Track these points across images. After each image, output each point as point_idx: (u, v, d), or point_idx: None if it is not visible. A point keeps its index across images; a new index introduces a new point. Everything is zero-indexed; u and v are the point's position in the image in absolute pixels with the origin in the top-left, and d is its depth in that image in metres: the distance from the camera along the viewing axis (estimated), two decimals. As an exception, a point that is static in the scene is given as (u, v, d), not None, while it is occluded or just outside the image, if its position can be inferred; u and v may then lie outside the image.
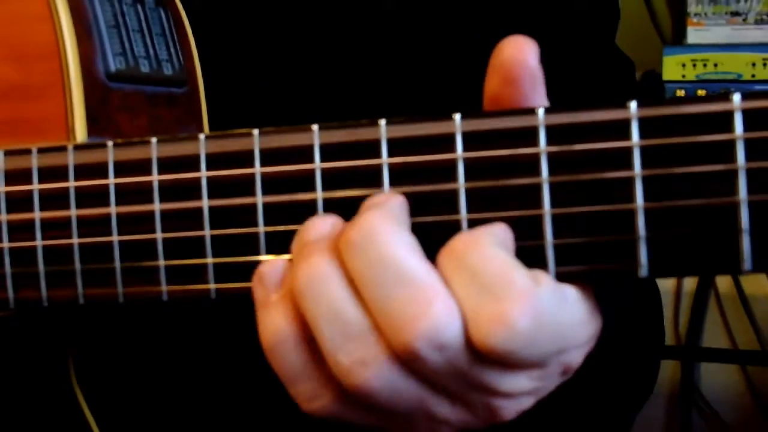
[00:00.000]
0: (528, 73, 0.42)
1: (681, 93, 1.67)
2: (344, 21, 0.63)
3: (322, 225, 0.42)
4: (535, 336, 0.38)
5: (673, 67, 1.68)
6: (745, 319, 1.85)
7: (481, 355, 0.39)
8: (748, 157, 0.38)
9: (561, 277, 0.40)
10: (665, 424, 1.93)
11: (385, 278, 0.39)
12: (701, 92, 1.66)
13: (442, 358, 0.39)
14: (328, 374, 0.41)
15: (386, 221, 0.40)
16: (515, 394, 0.42)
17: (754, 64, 1.66)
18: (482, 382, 0.40)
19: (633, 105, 0.40)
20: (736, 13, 1.72)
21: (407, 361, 0.39)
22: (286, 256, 0.44)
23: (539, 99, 0.42)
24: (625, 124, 0.40)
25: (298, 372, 0.42)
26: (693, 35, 1.71)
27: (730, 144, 0.38)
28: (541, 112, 0.41)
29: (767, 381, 1.86)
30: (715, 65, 1.67)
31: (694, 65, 1.68)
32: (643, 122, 0.39)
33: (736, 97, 0.39)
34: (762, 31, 1.69)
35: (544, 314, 0.38)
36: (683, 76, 1.67)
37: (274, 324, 0.42)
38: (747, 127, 0.38)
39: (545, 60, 0.64)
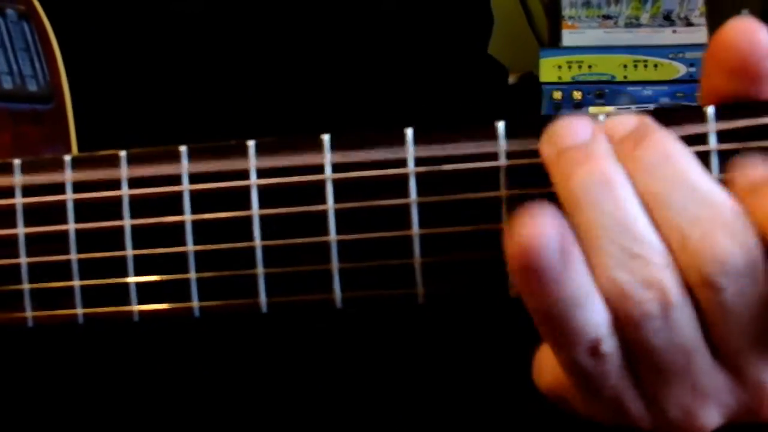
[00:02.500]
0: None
1: (558, 94, 1.70)
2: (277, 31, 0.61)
3: (582, 130, 0.37)
4: None
5: (550, 69, 1.71)
6: None
7: None
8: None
9: (429, 299, 0.39)
10: None
11: (688, 200, 0.35)
12: (577, 93, 1.69)
13: (738, 292, 0.34)
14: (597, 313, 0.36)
15: (677, 144, 0.36)
16: None
17: (625, 66, 1.70)
18: None
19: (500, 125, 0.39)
20: (608, 17, 1.75)
21: (704, 287, 0.35)
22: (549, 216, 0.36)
23: None
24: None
25: (581, 296, 0.36)
26: (568, 38, 1.74)
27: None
28: (409, 132, 0.40)
29: None
30: (590, 67, 1.70)
31: (570, 67, 1.70)
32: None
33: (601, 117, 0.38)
34: (632, 34, 1.73)
35: None
36: (559, 77, 1.70)
37: (575, 287, 0.35)
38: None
39: (417, 68, 0.64)
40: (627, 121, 0.37)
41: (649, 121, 0.37)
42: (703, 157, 0.36)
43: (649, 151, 0.35)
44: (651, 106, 1.64)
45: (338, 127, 0.58)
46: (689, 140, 0.36)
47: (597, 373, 0.37)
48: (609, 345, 0.36)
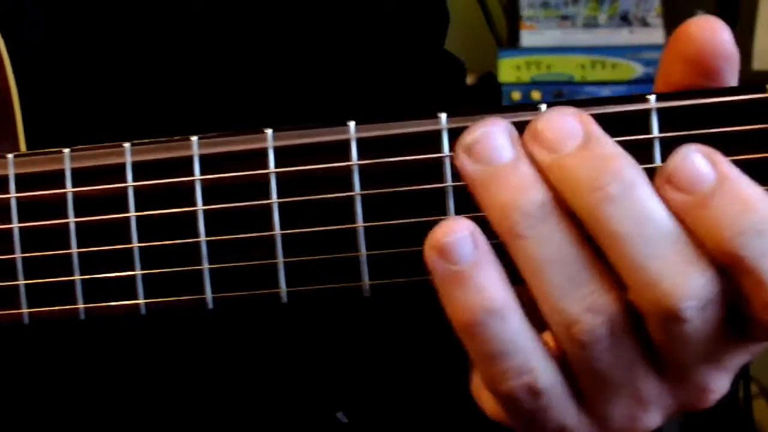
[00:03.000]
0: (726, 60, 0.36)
1: (517, 95, 1.70)
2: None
3: (504, 147, 0.35)
4: None
5: (509, 69, 1.71)
6: None
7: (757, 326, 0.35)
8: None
9: (375, 291, 0.39)
10: None
11: (647, 235, 0.34)
12: (536, 93, 1.70)
13: (701, 321, 0.34)
14: (539, 344, 0.36)
15: (638, 171, 0.34)
16: (725, 381, 0.38)
17: (583, 66, 1.71)
18: (721, 354, 0.37)
19: (443, 116, 0.39)
20: (566, 17, 1.76)
21: (666, 319, 0.34)
22: (464, 219, 0.36)
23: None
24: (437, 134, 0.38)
25: (509, 344, 0.35)
26: (526, 38, 1.75)
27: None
28: (352, 125, 0.39)
29: None
30: (548, 67, 1.71)
31: (529, 67, 1.71)
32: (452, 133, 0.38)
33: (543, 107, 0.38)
34: (590, 34, 1.74)
35: None
36: (518, 78, 1.71)
37: (480, 297, 0.35)
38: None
39: (373, 64, 0.63)
40: (563, 125, 0.35)
41: (589, 128, 0.35)
42: (646, 145, 0.37)
43: (609, 177, 0.34)
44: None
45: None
46: (630, 123, 0.37)
47: (537, 408, 0.37)
48: (546, 380, 0.36)
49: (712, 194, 0.33)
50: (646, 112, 0.37)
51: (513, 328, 0.35)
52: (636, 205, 0.34)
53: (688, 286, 0.34)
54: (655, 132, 0.37)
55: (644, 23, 1.74)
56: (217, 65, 0.58)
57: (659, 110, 0.37)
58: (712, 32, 0.36)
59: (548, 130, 0.35)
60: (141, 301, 0.42)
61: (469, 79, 1.74)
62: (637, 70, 1.70)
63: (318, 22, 0.59)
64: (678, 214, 0.34)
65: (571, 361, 0.36)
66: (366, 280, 0.39)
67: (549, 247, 0.35)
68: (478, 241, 0.35)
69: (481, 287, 0.35)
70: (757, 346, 0.37)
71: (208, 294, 0.41)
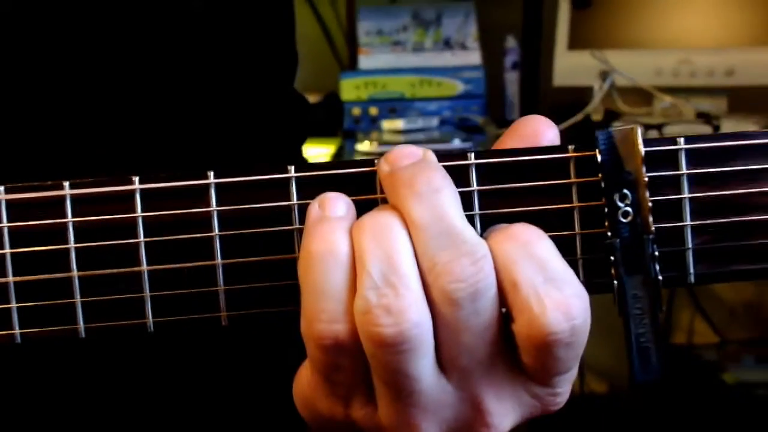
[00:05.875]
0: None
1: (357, 111, 1.72)
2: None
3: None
4: (579, 340, 0.36)
5: (350, 89, 1.73)
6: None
7: (535, 342, 0.36)
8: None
9: (231, 322, 0.39)
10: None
11: (442, 232, 0.36)
12: (373, 109, 1.73)
13: (476, 311, 0.36)
14: (351, 307, 0.36)
15: (448, 182, 0.37)
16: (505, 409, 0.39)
17: (413, 85, 1.74)
18: (498, 359, 0.37)
19: (292, 168, 0.40)
20: (397, 43, 1.79)
21: (444, 303, 0.35)
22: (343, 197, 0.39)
23: None
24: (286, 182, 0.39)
25: (331, 289, 0.36)
26: (364, 62, 1.77)
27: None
28: (211, 175, 0.40)
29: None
30: (383, 86, 1.74)
31: (367, 87, 1.74)
32: (299, 181, 0.39)
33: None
34: (418, 57, 1.78)
35: (587, 321, 0.36)
36: (358, 96, 1.73)
37: (332, 238, 0.37)
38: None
39: (224, 105, 0.61)
40: (408, 154, 0.38)
41: (427, 158, 0.38)
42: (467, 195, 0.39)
43: (420, 186, 0.37)
44: (435, 119, 1.69)
45: (146, 162, 0.55)
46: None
47: (338, 363, 0.37)
48: (348, 348, 0.37)
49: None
50: (468, 167, 0.39)
51: (339, 275, 0.37)
52: (436, 207, 0.36)
53: (462, 273, 0.35)
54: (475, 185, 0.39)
55: (463, 47, 1.80)
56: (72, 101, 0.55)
57: (477, 165, 0.39)
58: (541, 127, 0.40)
59: (394, 152, 0.38)
60: (17, 332, 0.41)
61: (315, 98, 1.75)
62: (459, 87, 1.75)
63: (171, 63, 0.57)
64: None
65: (363, 350, 0.37)
66: (223, 312, 0.40)
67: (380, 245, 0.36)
68: (350, 204, 0.38)
69: (335, 230, 0.37)
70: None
71: (81, 324, 0.40)
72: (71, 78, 0.54)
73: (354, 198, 0.39)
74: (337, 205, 0.38)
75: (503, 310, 0.37)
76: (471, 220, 0.38)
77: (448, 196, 0.37)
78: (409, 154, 0.38)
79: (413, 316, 0.35)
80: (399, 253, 0.36)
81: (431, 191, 0.36)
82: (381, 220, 0.37)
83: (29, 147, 0.53)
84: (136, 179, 0.40)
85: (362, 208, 0.38)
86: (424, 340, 0.36)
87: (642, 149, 0.38)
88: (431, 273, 0.36)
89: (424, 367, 0.36)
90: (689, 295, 2.01)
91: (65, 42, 0.53)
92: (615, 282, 0.37)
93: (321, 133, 1.67)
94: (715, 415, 1.78)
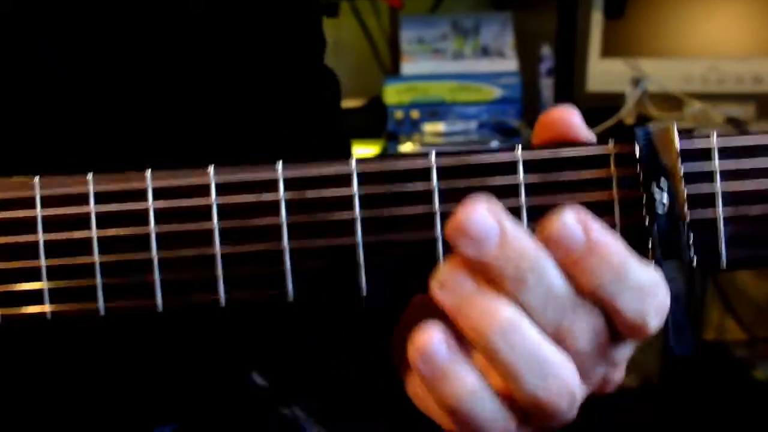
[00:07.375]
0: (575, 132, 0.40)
1: (399, 114, 1.74)
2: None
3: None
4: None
5: (393, 93, 1.74)
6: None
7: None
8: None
9: (297, 299, 0.41)
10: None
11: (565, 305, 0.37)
12: (415, 113, 1.74)
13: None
14: (518, 408, 0.37)
15: (545, 256, 0.37)
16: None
17: (453, 90, 1.75)
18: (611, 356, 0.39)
19: (353, 162, 0.41)
20: (438, 50, 1.80)
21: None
22: (436, 325, 0.37)
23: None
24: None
25: (492, 419, 0.37)
26: (406, 68, 1.78)
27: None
28: (279, 166, 0.41)
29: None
30: (425, 91, 1.75)
31: (409, 92, 1.75)
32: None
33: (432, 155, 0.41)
34: (458, 64, 1.79)
35: None
36: (401, 100, 1.74)
37: (466, 386, 0.36)
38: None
39: (255, 81, 0.60)
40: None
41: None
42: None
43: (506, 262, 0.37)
44: (474, 122, 1.70)
45: (181, 140, 0.55)
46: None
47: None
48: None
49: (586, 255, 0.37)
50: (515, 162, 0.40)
51: (488, 406, 0.37)
52: (544, 286, 0.36)
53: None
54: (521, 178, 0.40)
55: (501, 54, 1.80)
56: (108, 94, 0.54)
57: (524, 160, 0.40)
58: (568, 116, 0.40)
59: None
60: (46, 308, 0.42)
61: (360, 102, 1.76)
62: (496, 92, 1.76)
63: (199, 45, 0.56)
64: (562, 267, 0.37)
65: None
66: (290, 291, 0.41)
67: (519, 350, 0.37)
68: (450, 343, 0.37)
69: (459, 377, 0.37)
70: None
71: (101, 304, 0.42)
72: (98, 65, 0.54)
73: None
74: (437, 355, 0.37)
75: None
76: (517, 211, 0.39)
77: (549, 265, 0.37)
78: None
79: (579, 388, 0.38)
80: (540, 346, 0.37)
81: (539, 276, 0.37)
82: (504, 323, 0.36)
83: (59, 142, 0.54)
84: (211, 170, 0.42)
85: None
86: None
87: (678, 144, 0.39)
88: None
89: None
90: (718, 292, 1.99)
91: (86, 28, 0.53)
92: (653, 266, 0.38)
93: (366, 135, 1.69)
94: (746, 411, 1.75)
